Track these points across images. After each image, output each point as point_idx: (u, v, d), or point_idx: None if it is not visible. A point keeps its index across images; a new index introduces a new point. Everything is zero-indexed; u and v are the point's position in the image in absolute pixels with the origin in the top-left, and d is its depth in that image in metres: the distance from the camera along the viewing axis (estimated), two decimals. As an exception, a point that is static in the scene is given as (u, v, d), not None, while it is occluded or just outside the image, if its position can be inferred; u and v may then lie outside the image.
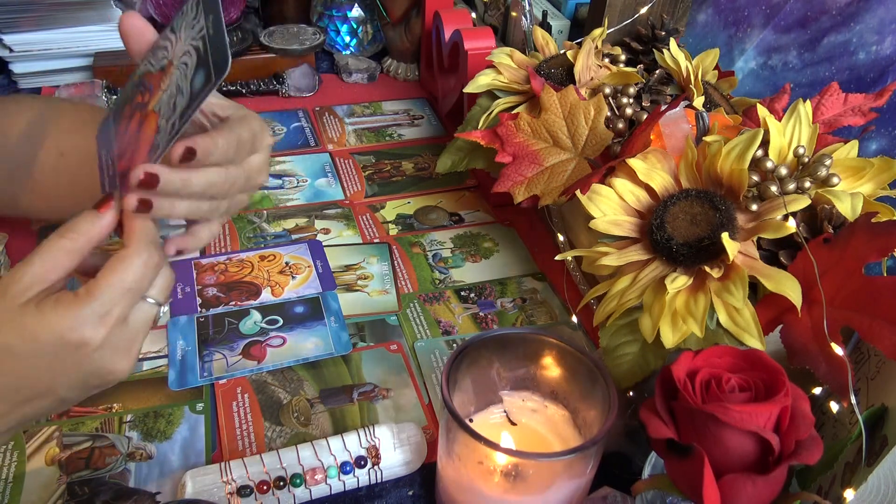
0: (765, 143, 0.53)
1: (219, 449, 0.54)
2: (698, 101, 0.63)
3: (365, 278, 0.71)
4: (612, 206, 0.54)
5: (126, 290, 0.38)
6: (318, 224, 0.77)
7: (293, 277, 0.70)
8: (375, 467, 0.51)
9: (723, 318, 0.46)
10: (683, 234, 0.49)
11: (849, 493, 0.40)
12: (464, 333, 0.66)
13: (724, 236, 0.46)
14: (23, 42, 0.93)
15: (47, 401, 0.38)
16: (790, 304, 0.44)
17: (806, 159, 0.52)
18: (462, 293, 0.70)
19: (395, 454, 0.52)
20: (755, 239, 0.48)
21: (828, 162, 0.51)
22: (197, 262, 0.71)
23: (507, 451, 0.41)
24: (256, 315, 0.66)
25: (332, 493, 0.51)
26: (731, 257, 0.45)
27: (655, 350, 0.49)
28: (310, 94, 1.01)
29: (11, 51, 0.93)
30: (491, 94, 0.71)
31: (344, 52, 1.08)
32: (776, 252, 0.49)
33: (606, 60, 0.71)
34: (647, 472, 0.46)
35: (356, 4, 1.06)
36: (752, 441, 0.38)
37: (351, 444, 0.51)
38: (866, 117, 0.60)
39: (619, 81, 0.66)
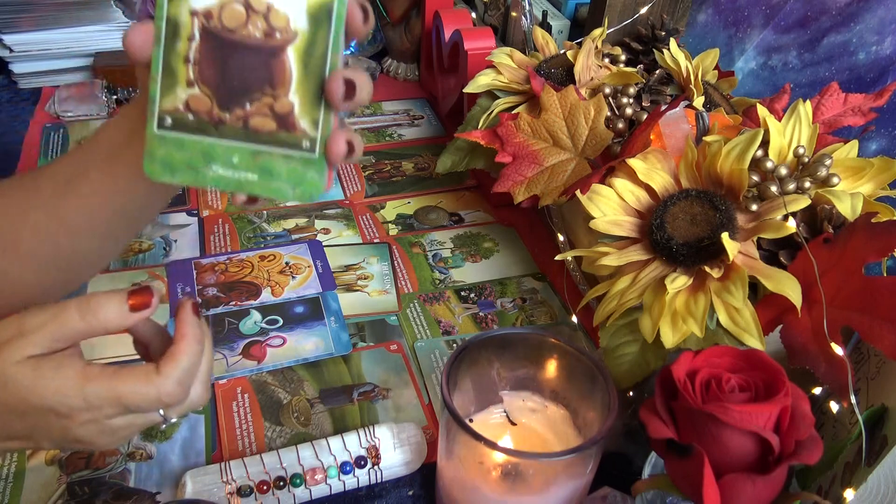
0: (765, 143, 0.53)
1: (219, 449, 0.54)
2: (698, 101, 0.63)
3: (365, 278, 0.71)
4: (612, 206, 0.54)
5: (126, 408, 0.36)
6: (318, 224, 0.77)
7: (293, 277, 0.70)
8: (375, 467, 0.51)
9: (723, 318, 0.46)
10: (683, 234, 0.49)
11: (849, 493, 0.40)
12: (464, 333, 0.66)
13: (724, 236, 0.46)
14: (23, 42, 0.93)
15: (24, 443, 0.37)
16: (790, 304, 0.44)
17: (806, 159, 0.52)
18: (462, 293, 0.70)
19: (395, 454, 0.52)
20: (755, 239, 0.48)
21: (828, 162, 0.51)
22: (197, 262, 0.71)
23: (507, 451, 0.41)
24: (256, 315, 0.66)
25: (332, 493, 0.51)
26: (731, 257, 0.45)
27: (655, 350, 0.49)
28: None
29: (11, 51, 0.93)
30: (491, 94, 0.71)
31: (344, 52, 1.08)
32: (776, 252, 0.49)
33: (606, 60, 0.71)
34: (647, 472, 0.46)
35: (356, 4, 1.06)
36: (752, 441, 0.38)
37: (351, 444, 0.51)
38: (866, 117, 0.60)
39: (619, 81, 0.66)
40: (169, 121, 0.34)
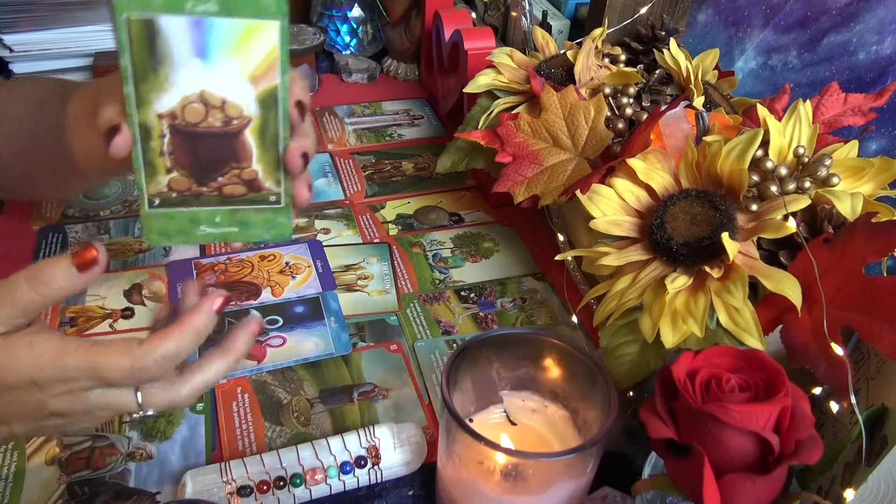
0: (765, 143, 0.53)
1: (219, 449, 0.54)
2: (698, 101, 0.63)
3: (365, 278, 0.71)
4: (612, 206, 0.54)
5: (100, 379, 0.36)
6: (318, 224, 0.77)
7: (293, 277, 0.70)
8: (375, 467, 0.51)
9: (723, 318, 0.46)
10: (683, 234, 0.49)
11: (849, 493, 0.40)
12: (464, 333, 0.66)
13: (724, 236, 0.46)
14: (23, 42, 0.93)
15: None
16: (790, 304, 0.44)
17: (806, 159, 0.52)
18: (462, 293, 0.70)
19: (395, 454, 0.52)
20: (755, 239, 0.48)
21: (828, 162, 0.51)
22: (197, 262, 0.71)
23: (507, 451, 0.41)
24: (256, 315, 0.66)
25: (332, 493, 0.51)
26: (731, 257, 0.45)
27: (655, 350, 0.49)
28: (310, 94, 1.01)
29: (11, 51, 0.92)
30: (491, 94, 0.71)
31: (344, 52, 1.08)
32: (776, 252, 0.49)
33: (606, 60, 0.71)
34: (647, 472, 0.46)
35: (356, 4, 1.06)
36: (752, 441, 0.38)
37: (351, 444, 0.51)
38: (866, 117, 0.60)
39: (619, 81, 0.66)
40: (157, 201, 0.40)
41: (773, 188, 0.49)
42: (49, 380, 0.35)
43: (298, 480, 0.49)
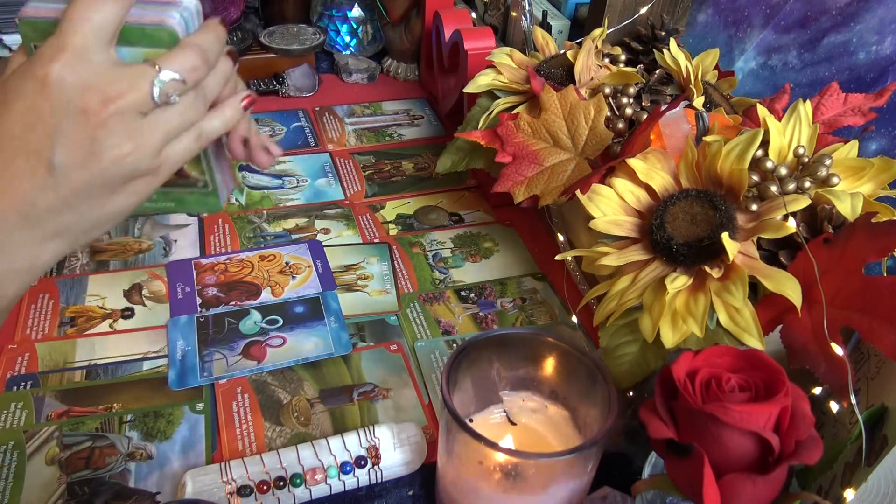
0: (765, 143, 0.53)
1: (219, 449, 0.54)
2: (698, 101, 0.63)
3: (365, 278, 0.71)
4: (612, 206, 0.54)
5: (87, 20, 0.35)
6: (318, 224, 0.78)
7: (293, 277, 0.70)
8: (375, 467, 0.51)
9: (723, 318, 0.46)
10: (683, 234, 0.49)
11: (849, 493, 0.40)
12: (464, 333, 0.66)
13: (724, 236, 0.46)
14: (23, 42, 0.93)
15: (38, 173, 0.35)
16: (790, 304, 0.44)
17: (806, 159, 0.52)
18: (462, 293, 0.70)
19: (395, 454, 0.52)
20: (755, 239, 0.48)
21: (828, 162, 0.51)
22: (197, 262, 0.71)
23: (507, 451, 0.41)
24: (256, 315, 0.66)
25: (332, 493, 0.51)
26: (731, 257, 0.45)
27: (655, 350, 0.49)
28: (310, 94, 1.01)
29: (11, 51, 0.92)
30: (491, 94, 0.71)
31: (344, 52, 1.08)
32: (776, 252, 0.49)
33: (606, 60, 0.71)
34: (647, 472, 0.46)
35: (356, 4, 1.06)
36: (752, 441, 0.38)
37: (351, 444, 0.51)
38: (866, 117, 0.60)
39: (619, 81, 0.66)
40: None
41: (773, 188, 0.49)
42: (48, 45, 0.35)
43: (298, 480, 0.49)
